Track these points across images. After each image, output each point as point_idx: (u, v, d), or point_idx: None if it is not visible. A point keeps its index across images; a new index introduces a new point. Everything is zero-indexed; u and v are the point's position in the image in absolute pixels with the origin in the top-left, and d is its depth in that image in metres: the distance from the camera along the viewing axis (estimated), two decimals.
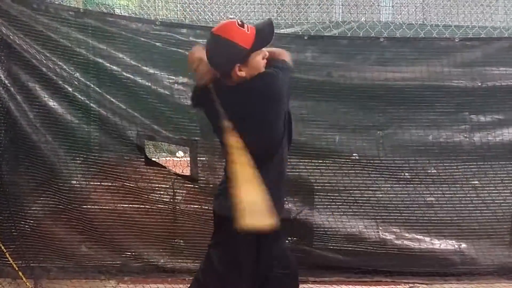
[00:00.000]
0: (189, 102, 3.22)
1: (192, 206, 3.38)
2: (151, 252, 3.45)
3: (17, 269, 3.20)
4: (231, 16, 4.63)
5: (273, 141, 2.23)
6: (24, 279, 3.20)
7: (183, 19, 4.82)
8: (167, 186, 3.35)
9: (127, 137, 3.26)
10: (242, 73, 2.15)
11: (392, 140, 3.26)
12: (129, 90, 3.24)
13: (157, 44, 3.21)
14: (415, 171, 3.29)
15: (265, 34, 2.16)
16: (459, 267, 3.38)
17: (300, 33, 3.87)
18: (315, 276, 3.36)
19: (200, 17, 4.77)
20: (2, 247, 3.20)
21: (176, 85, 3.25)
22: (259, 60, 2.17)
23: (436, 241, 3.37)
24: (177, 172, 3.39)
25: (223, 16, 4.78)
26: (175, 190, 3.33)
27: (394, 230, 3.36)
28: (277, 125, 2.22)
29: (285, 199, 2.34)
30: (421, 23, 4.05)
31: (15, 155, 3.29)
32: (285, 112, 2.25)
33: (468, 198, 3.30)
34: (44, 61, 3.18)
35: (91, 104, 3.25)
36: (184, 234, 3.44)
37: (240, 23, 2.13)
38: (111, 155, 3.32)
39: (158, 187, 3.36)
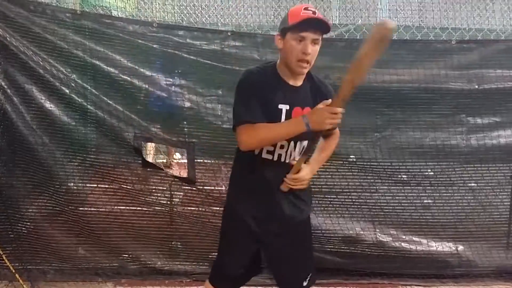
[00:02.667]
0: (186, 104, 3.25)
1: (190, 208, 3.39)
2: (148, 254, 3.44)
3: (14, 271, 3.19)
4: (228, 19, 4.64)
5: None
6: (21, 281, 3.19)
7: (181, 21, 4.82)
8: (165, 188, 3.35)
9: (124, 139, 3.26)
10: (279, 45, 2.15)
11: (389, 142, 3.26)
12: (126, 92, 3.24)
13: (154, 46, 3.21)
14: (412, 173, 3.30)
15: (304, 23, 2.05)
16: (456, 269, 3.39)
17: None
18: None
19: (197, 19, 4.77)
20: None
21: (173, 87, 3.25)
22: (292, 44, 2.08)
23: (433, 243, 3.37)
24: (175, 174, 3.38)
25: (220, 19, 4.78)
26: (173, 192, 3.33)
27: (392, 232, 3.36)
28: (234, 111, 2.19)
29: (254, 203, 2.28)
30: (418, 25, 4.05)
31: (12, 157, 3.28)
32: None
33: (465, 200, 3.31)
34: (41, 63, 3.18)
35: (88, 106, 3.25)
36: (182, 237, 3.44)
37: (312, 9, 2.08)
38: (108, 157, 3.31)
39: (155, 189, 3.35)
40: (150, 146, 3.66)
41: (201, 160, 3.32)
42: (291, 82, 2.19)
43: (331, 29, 2.13)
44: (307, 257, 2.41)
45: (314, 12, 2.06)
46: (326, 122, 2.06)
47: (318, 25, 2.07)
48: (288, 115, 2.14)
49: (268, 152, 2.20)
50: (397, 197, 3.32)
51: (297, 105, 2.16)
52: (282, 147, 2.19)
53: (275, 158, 2.20)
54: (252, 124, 2.11)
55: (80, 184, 3.33)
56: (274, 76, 2.18)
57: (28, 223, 3.38)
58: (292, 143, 2.19)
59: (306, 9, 2.08)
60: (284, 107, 2.15)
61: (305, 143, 2.22)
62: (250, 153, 2.21)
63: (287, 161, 2.22)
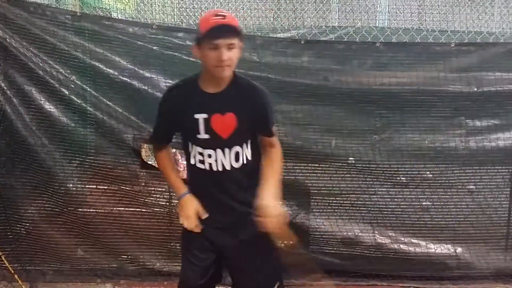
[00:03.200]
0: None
1: None
2: (147, 256, 3.44)
3: (13, 272, 3.20)
4: None
5: None
6: (20, 282, 3.20)
7: (180, 23, 4.83)
8: (163, 189, 3.35)
9: (123, 140, 3.26)
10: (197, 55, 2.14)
11: (388, 145, 3.26)
12: (125, 93, 3.24)
13: (154, 48, 3.22)
14: (411, 175, 3.30)
15: (214, 31, 2.01)
16: (455, 271, 3.38)
17: (297, 38, 3.87)
18: (311, 280, 3.35)
19: (197, 21, 4.77)
20: None
21: None
22: (208, 53, 2.05)
23: (432, 245, 3.37)
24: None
25: None
26: (171, 194, 3.33)
27: (390, 234, 3.36)
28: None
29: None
30: (417, 28, 4.06)
31: (11, 158, 3.28)
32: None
33: (464, 203, 3.31)
34: (41, 64, 3.18)
35: (88, 108, 3.26)
36: (180, 238, 3.43)
37: (222, 13, 2.05)
38: (107, 158, 3.31)
39: (154, 190, 3.35)
40: (149, 147, 3.66)
41: None
42: (210, 90, 2.16)
43: (238, 33, 2.06)
44: (268, 264, 2.35)
45: (224, 17, 2.03)
46: (180, 215, 2.29)
47: (229, 30, 2.03)
48: (207, 123, 2.14)
49: (200, 161, 2.22)
50: (396, 199, 3.32)
51: (216, 112, 2.14)
52: (210, 156, 2.18)
53: (207, 167, 2.21)
54: (157, 147, 2.36)
55: (79, 185, 3.33)
56: (192, 87, 2.18)
57: (27, 224, 3.38)
58: (218, 151, 2.17)
59: (216, 15, 2.04)
60: (200, 116, 2.14)
61: (237, 148, 2.19)
62: (188, 163, 2.27)
63: (221, 169, 2.19)
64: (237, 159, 2.19)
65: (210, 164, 2.19)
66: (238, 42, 2.06)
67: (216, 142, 2.16)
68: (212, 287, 2.43)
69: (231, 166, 2.19)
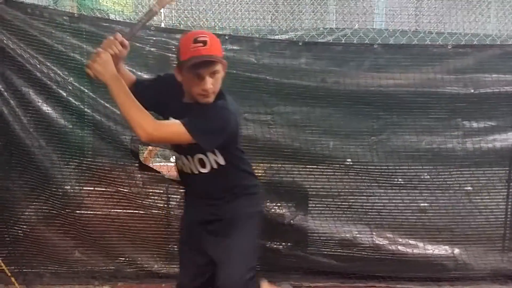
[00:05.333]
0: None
1: None
2: (145, 258, 3.43)
3: (9, 274, 3.18)
4: (225, 22, 4.65)
5: None
6: (16, 284, 3.18)
7: (178, 24, 4.83)
8: (161, 191, 3.34)
9: (121, 142, 3.25)
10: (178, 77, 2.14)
11: (386, 146, 3.27)
12: None
13: (152, 49, 3.22)
14: (408, 176, 3.31)
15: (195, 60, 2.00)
16: (452, 272, 3.39)
17: (295, 39, 3.88)
18: (309, 282, 3.36)
19: (195, 23, 4.78)
20: None
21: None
22: (190, 80, 2.06)
23: (429, 247, 3.38)
24: (171, 177, 3.38)
25: (217, 22, 4.79)
26: (169, 196, 3.33)
27: (388, 235, 3.37)
28: None
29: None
30: (415, 30, 4.07)
31: (8, 160, 3.27)
32: None
33: (461, 204, 3.32)
34: (38, 66, 3.17)
35: (85, 109, 3.25)
36: (178, 240, 3.42)
37: (202, 38, 2.01)
38: (105, 160, 3.31)
39: (152, 192, 3.35)
40: (147, 149, 3.66)
41: None
42: (186, 99, 2.17)
43: (220, 60, 2.05)
44: (240, 244, 2.27)
45: (204, 43, 1.98)
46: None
47: (211, 61, 2.00)
48: None
49: (176, 161, 2.31)
50: (394, 201, 3.33)
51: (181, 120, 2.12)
52: (179, 159, 2.26)
53: (180, 168, 2.29)
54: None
55: (76, 187, 3.32)
56: (181, 89, 2.15)
57: (24, 226, 3.36)
58: (183, 157, 2.22)
59: (195, 41, 1.99)
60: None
61: (200, 156, 2.18)
62: None
63: (190, 172, 2.24)
64: (203, 165, 2.21)
65: (182, 166, 2.26)
66: (221, 66, 2.04)
67: (180, 148, 2.20)
68: None
69: (198, 171, 2.22)
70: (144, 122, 2.02)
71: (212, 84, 2.02)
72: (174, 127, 2.06)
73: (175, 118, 2.11)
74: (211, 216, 2.29)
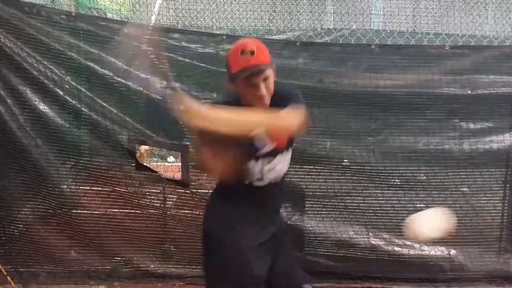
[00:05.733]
0: (181, 107, 3.23)
1: (183, 211, 3.38)
2: (141, 257, 3.43)
3: (5, 273, 3.17)
4: (223, 22, 4.65)
5: None
6: (12, 284, 3.18)
7: (176, 24, 4.83)
8: (158, 191, 3.34)
9: (118, 141, 3.25)
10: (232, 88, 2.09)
11: (383, 147, 3.27)
12: (120, 94, 3.23)
13: (149, 49, 3.20)
14: (405, 177, 3.31)
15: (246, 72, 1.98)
16: (448, 273, 3.39)
17: (292, 40, 3.89)
18: None
19: (192, 23, 4.78)
20: None
21: (168, 89, 3.24)
22: (245, 90, 2.03)
23: (425, 247, 3.38)
24: (168, 177, 3.38)
25: (215, 22, 4.80)
26: (166, 195, 3.33)
27: (385, 236, 3.37)
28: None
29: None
30: (412, 31, 4.08)
31: (4, 159, 3.26)
32: None
33: (458, 205, 3.32)
34: (35, 65, 3.17)
35: (82, 108, 3.25)
36: (175, 239, 3.43)
37: (249, 49, 1.99)
38: (102, 160, 3.31)
39: (148, 192, 3.35)
40: (144, 148, 3.65)
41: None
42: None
43: (270, 64, 2.02)
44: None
45: (252, 53, 1.98)
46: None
47: (262, 68, 1.99)
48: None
49: (259, 179, 2.21)
50: (390, 201, 3.33)
51: None
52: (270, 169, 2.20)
53: (256, 183, 2.19)
54: None
55: (73, 187, 3.32)
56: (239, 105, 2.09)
57: (21, 226, 3.36)
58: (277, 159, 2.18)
59: (243, 52, 1.99)
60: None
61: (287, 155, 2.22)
62: (238, 184, 2.19)
63: (273, 182, 2.20)
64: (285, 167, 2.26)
65: (266, 173, 2.16)
66: (271, 71, 2.05)
67: (276, 152, 2.15)
68: None
69: (281, 177, 2.23)
70: (279, 116, 1.95)
71: (265, 88, 2.02)
72: (296, 109, 1.99)
73: None
74: (275, 229, 2.28)
